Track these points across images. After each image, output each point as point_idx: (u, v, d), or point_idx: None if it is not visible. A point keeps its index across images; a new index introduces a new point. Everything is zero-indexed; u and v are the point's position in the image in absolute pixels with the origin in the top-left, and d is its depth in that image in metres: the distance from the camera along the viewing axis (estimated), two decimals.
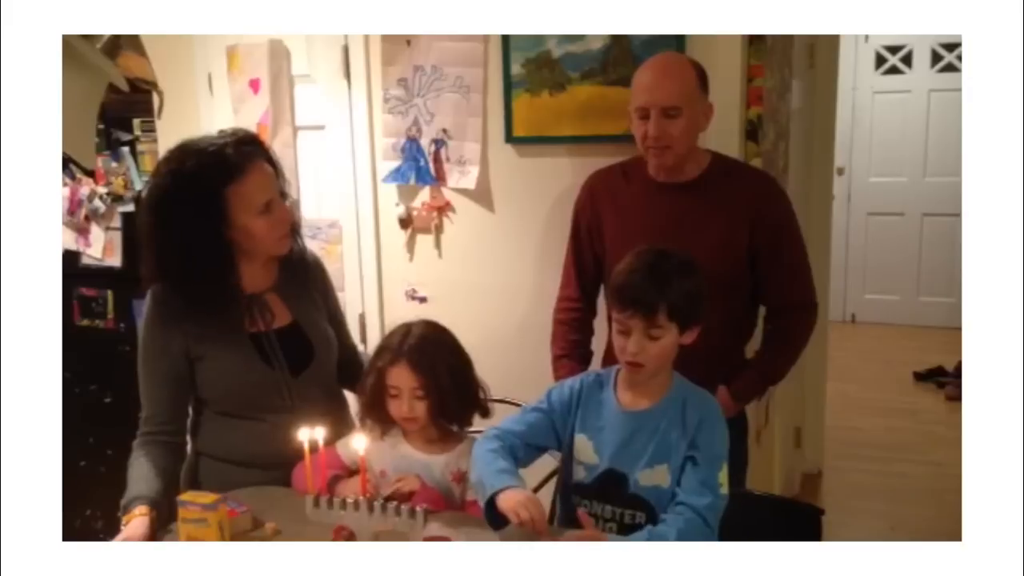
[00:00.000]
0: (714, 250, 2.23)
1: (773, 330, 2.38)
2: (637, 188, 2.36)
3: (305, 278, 2.24)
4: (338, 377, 2.25)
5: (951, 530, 3.47)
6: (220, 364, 2.09)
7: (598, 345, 2.47)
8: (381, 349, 2.05)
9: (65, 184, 3.37)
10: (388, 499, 1.86)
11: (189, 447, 2.18)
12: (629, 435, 1.85)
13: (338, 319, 2.34)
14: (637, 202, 2.35)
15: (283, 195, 2.12)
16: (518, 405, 2.43)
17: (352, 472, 2.03)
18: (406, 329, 2.03)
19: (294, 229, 2.17)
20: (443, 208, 2.99)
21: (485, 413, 2.08)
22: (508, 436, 1.88)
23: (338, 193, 3.11)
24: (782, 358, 2.40)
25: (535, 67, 2.76)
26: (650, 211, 2.32)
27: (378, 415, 2.03)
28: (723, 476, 1.79)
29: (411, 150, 2.97)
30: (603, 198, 2.42)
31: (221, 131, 2.11)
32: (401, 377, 1.96)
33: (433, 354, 1.98)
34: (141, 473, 2.02)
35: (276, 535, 1.87)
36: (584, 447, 1.91)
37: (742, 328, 2.41)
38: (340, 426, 2.15)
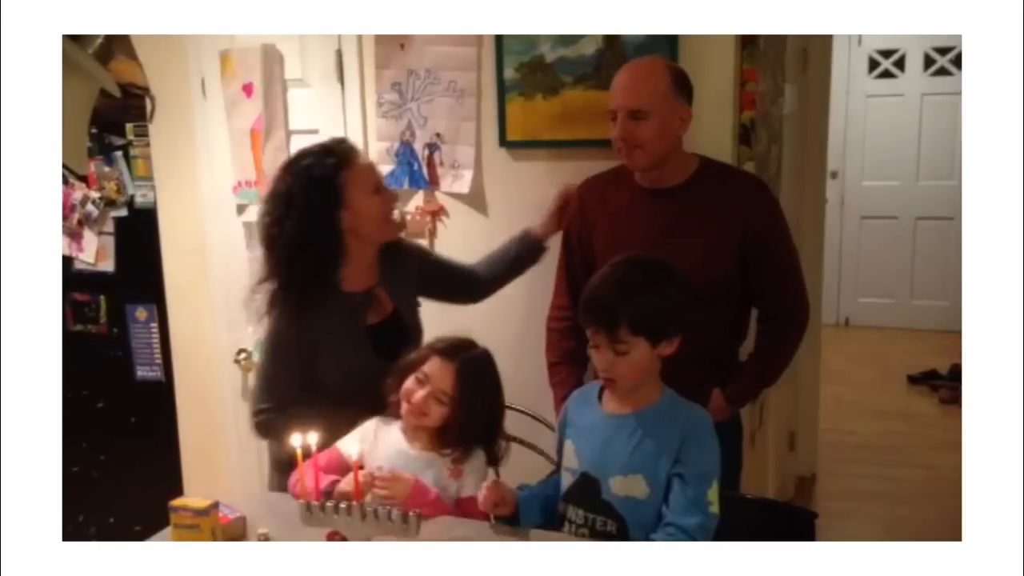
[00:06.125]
0: (704, 255, 2.23)
1: (766, 333, 2.39)
2: (626, 194, 2.36)
3: (401, 267, 2.35)
4: (462, 292, 2.52)
5: (946, 533, 3.45)
6: (337, 357, 2.20)
7: None
8: (445, 340, 2.07)
9: None
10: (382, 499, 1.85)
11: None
12: (608, 439, 1.84)
13: (442, 265, 2.53)
14: (626, 208, 2.35)
15: None
16: (509, 408, 2.43)
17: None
18: (472, 343, 2.06)
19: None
20: (437, 212, 2.98)
21: (494, 460, 2.09)
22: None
23: None
24: (775, 361, 2.41)
25: (529, 71, 2.75)
26: (639, 217, 2.32)
27: (394, 387, 2.03)
28: (713, 494, 1.75)
29: (405, 154, 2.96)
30: (593, 204, 2.42)
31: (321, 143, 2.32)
32: (438, 372, 1.98)
33: (481, 375, 2.01)
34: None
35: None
36: (569, 452, 1.91)
37: (735, 331, 2.42)
38: None
